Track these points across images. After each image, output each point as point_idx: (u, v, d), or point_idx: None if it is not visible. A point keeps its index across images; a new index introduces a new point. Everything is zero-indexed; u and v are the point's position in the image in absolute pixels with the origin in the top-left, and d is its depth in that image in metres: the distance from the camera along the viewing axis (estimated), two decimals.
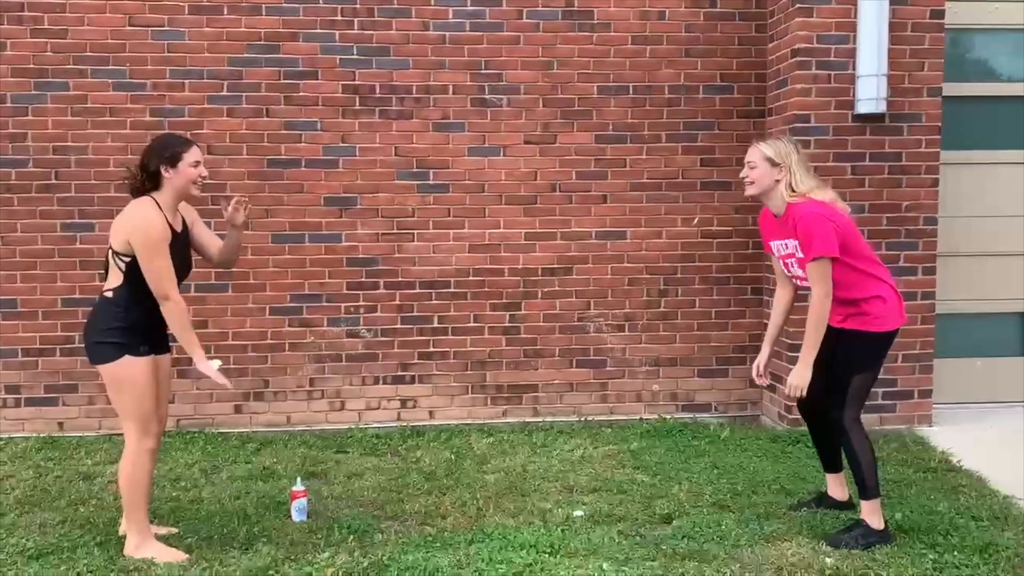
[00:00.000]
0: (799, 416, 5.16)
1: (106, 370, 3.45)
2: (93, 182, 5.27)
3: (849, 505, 3.92)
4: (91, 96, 5.24)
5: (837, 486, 3.95)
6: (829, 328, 3.59)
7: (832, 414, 3.65)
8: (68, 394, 5.31)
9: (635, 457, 4.78)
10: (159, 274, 3.39)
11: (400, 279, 5.46)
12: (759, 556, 3.50)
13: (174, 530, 3.75)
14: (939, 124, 5.17)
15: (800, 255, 3.60)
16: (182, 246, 3.59)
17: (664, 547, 3.57)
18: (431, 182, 5.44)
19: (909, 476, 4.40)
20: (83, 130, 5.24)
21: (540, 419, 5.51)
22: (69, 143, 5.25)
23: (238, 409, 5.41)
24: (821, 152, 5.13)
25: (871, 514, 3.60)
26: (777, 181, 3.61)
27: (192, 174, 3.50)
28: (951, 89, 5.33)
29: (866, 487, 3.61)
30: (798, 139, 5.10)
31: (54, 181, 5.26)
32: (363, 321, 5.46)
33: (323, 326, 5.44)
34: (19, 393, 5.31)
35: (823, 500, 3.97)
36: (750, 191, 3.71)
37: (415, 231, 5.45)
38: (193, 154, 3.51)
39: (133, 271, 3.41)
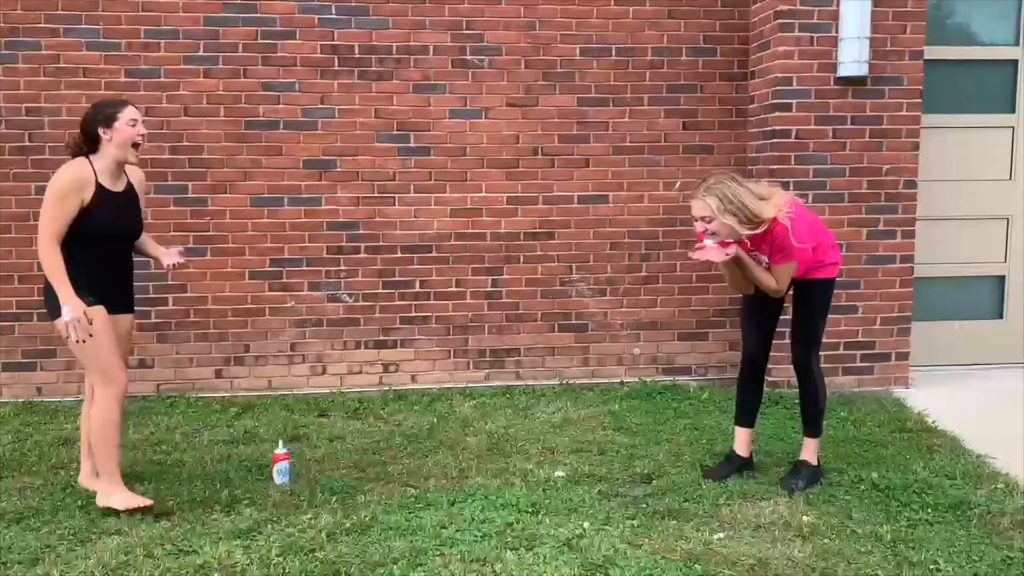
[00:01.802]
0: (778, 379, 5.25)
1: (58, 324, 3.50)
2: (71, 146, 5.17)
3: (751, 463, 4.02)
4: (64, 56, 5.14)
5: (745, 443, 4.01)
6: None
7: (801, 360, 3.84)
8: (46, 359, 5.27)
9: (616, 419, 4.82)
10: (44, 221, 3.43)
11: (381, 243, 5.43)
12: (737, 514, 3.55)
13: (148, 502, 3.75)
14: (920, 87, 5.17)
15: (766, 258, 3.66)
16: (124, 206, 3.64)
17: (644, 506, 3.62)
18: (412, 145, 5.39)
19: (885, 437, 4.46)
20: (56, 91, 5.14)
21: (522, 382, 5.54)
22: (42, 104, 5.15)
23: (219, 374, 5.39)
24: (803, 115, 5.12)
25: (814, 452, 3.89)
26: (740, 222, 3.48)
27: (130, 132, 3.55)
28: (933, 52, 5.33)
29: (819, 426, 3.90)
30: (779, 102, 5.11)
31: (27, 143, 5.16)
32: (344, 285, 5.44)
33: (304, 290, 5.41)
34: None
35: (734, 461, 3.99)
36: (714, 240, 3.52)
37: (396, 195, 5.42)
38: (129, 113, 3.57)
39: (68, 229, 3.47)
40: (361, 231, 5.41)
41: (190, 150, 5.26)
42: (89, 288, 3.49)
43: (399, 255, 5.45)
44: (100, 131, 3.53)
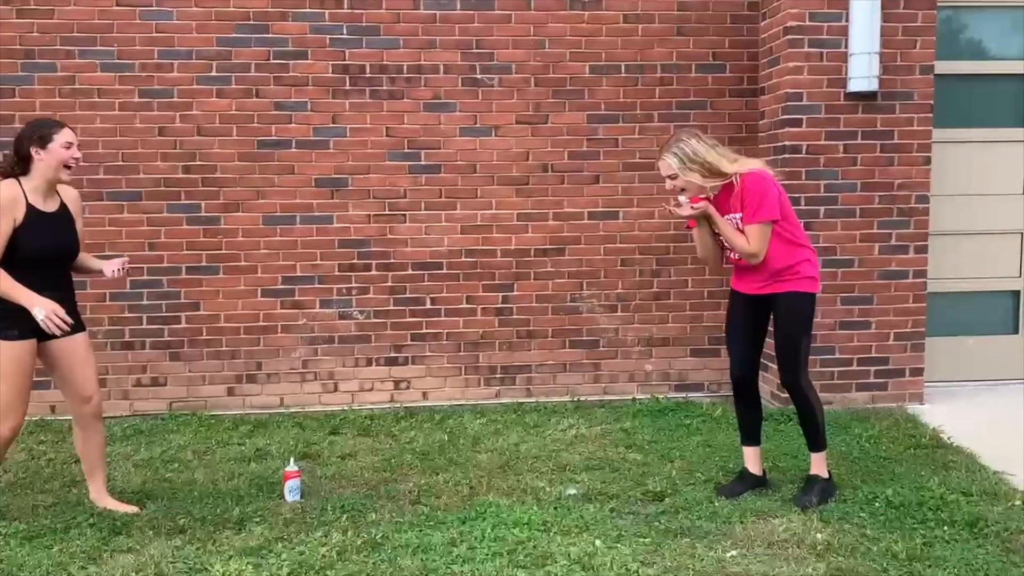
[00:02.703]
0: (790, 395, 5.20)
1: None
2: (82, 164, 5.14)
3: (765, 480, 3.98)
4: (79, 77, 5.20)
5: (755, 461, 3.98)
6: (758, 298, 3.77)
7: (787, 380, 3.80)
8: None
9: (628, 436, 4.80)
10: None
11: (392, 260, 5.45)
12: (750, 532, 3.52)
13: (136, 509, 3.77)
14: (931, 102, 5.16)
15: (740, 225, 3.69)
16: (58, 228, 3.60)
17: (656, 524, 3.59)
18: (423, 163, 5.42)
19: (900, 453, 4.42)
20: (71, 111, 5.19)
21: (533, 399, 5.52)
22: None
23: (231, 391, 5.41)
24: (813, 130, 5.12)
25: (822, 465, 3.83)
26: (703, 176, 3.61)
27: (63, 155, 3.53)
28: (943, 67, 5.32)
29: (821, 441, 3.84)
30: (789, 117, 5.12)
31: None
32: (355, 303, 5.45)
33: (315, 308, 5.43)
34: None
35: (747, 479, 3.96)
36: (685, 196, 3.65)
37: (407, 212, 5.44)
38: (65, 135, 3.55)
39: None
40: (372, 248, 5.43)
41: (203, 169, 5.31)
42: (21, 318, 3.42)
43: (410, 272, 5.46)
44: (33, 151, 3.49)
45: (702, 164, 3.60)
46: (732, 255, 3.79)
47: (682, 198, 3.66)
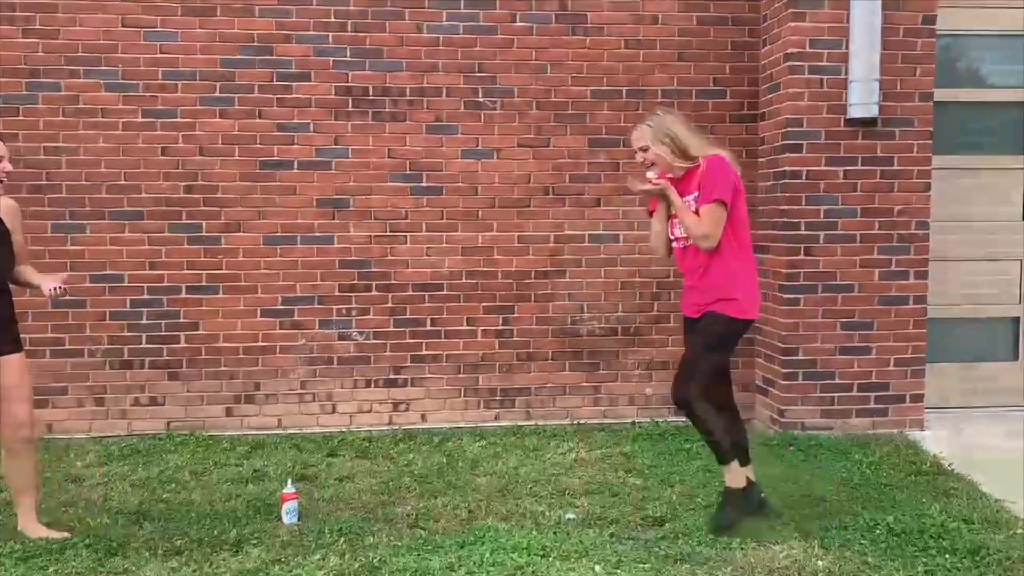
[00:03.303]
0: (790, 420, 5.20)
1: None
2: (84, 183, 5.25)
3: (765, 501, 3.87)
4: (83, 97, 5.22)
5: (743, 476, 3.87)
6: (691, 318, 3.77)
7: (677, 396, 3.71)
8: (58, 396, 5.28)
9: (628, 460, 4.78)
10: None
11: (392, 281, 5.45)
12: (751, 558, 3.49)
13: (66, 534, 3.68)
14: (931, 129, 5.19)
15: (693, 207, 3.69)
16: None
17: (656, 549, 3.57)
18: (424, 184, 5.44)
19: (900, 480, 4.40)
20: (75, 131, 5.22)
21: (533, 422, 5.50)
22: (60, 144, 5.23)
23: (229, 412, 5.39)
24: (813, 156, 5.14)
25: (734, 477, 3.72)
26: (673, 152, 3.66)
27: None
28: (943, 94, 5.35)
29: (724, 452, 3.70)
30: (789, 143, 5.14)
31: (45, 182, 5.23)
32: (355, 324, 5.45)
33: (315, 328, 5.42)
34: None
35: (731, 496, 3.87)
36: (653, 172, 3.69)
37: (408, 233, 5.45)
38: None
39: None
40: (373, 269, 5.43)
41: (205, 189, 5.32)
42: None
43: (410, 293, 5.46)
44: None
45: (673, 139, 3.64)
46: (677, 245, 3.78)
47: (650, 174, 3.70)
